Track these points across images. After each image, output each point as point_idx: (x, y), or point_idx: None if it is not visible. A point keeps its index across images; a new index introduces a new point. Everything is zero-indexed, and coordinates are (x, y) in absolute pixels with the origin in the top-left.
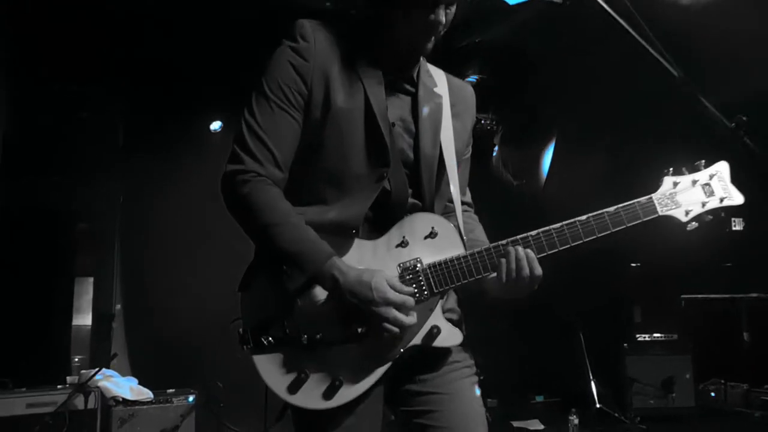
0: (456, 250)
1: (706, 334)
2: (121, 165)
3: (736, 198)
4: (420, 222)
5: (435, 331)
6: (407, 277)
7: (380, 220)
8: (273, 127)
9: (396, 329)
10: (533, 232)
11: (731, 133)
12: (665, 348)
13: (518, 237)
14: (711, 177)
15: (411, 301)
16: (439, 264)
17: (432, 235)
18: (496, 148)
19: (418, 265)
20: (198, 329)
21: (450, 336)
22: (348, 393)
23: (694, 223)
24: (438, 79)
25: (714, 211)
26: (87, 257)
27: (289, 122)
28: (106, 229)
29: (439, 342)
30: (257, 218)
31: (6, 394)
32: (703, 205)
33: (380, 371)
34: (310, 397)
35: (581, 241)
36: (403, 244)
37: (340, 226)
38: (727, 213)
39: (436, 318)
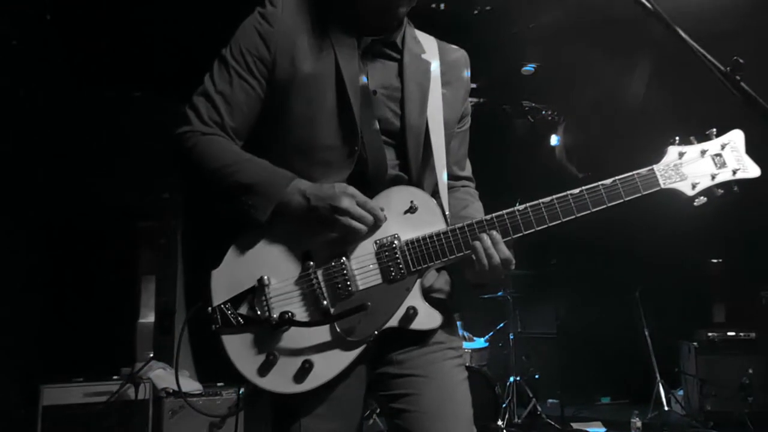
0: (437, 226)
1: None
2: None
3: (752, 170)
4: (398, 195)
5: (411, 312)
6: (384, 255)
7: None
8: (228, 93)
9: (362, 226)
10: (520, 207)
11: (725, 78)
12: (742, 348)
13: (503, 212)
14: (723, 147)
15: (375, 205)
16: (417, 241)
17: (411, 209)
18: (559, 139)
19: (395, 241)
20: None
21: (428, 318)
22: (319, 376)
23: (702, 198)
24: (427, 46)
25: (725, 185)
26: (150, 255)
27: (245, 90)
28: (168, 228)
29: (416, 325)
30: (207, 166)
31: (64, 383)
32: (713, 177)
33: (353, 354)
34: (280, 380)
35: (573, 217)
36: None
37: None
38: (740, 186)
39: (414, 298)
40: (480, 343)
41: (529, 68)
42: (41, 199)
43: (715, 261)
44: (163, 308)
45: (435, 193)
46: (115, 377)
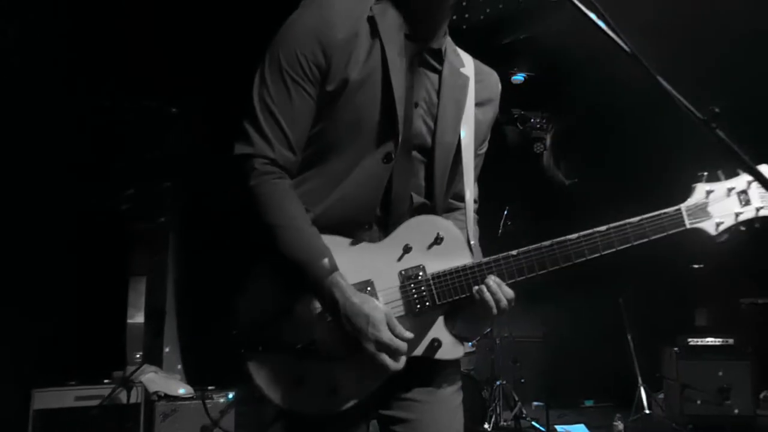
0: (462, 258)
1: (767, 339)
2: (172, 168)
3: None
4: (425, 226)
5: (436, 344)
6: (408, 287)
7: (384, 217)
8: (288, 104)
9: (387, 362)
10: (546, 243)
11: (704, 126)
12: (721, 353)
13: (531, 247)
14: (749, 184)
15: (404, 347)
16: (444, 274)
17: (437, 241)
18: (547, 147)
19: (421, 273)
20: None
21: (451, 349)
22: (344, 401)
23: (725, 234)
24: (465, 61)
25: (748, 222)
26: (141, 257)
27: (304, 99)
28: (160, 230)
29: (440, 355)
30: (262, 216)
31: (56, 387)
32: (737, 216)
33: (378, 381)
34: (305, 403)
35: (599, 254)
36: (405, 249)
37: (349, 222)
38: (762, 223)
39: (438, 330)
40: (467, 347)
41: (519, 77)
42: (31, 202)
43: (696, 266)
44: (153, 311)
45: (455, 210)
46: (106, 381)
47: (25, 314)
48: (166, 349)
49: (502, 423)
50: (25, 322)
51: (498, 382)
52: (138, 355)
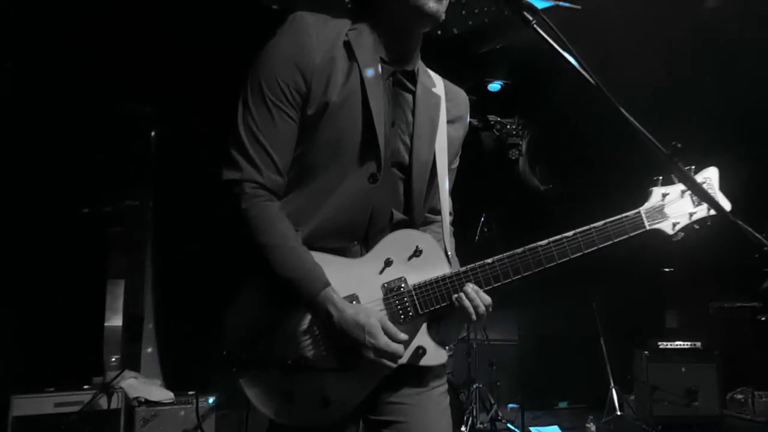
0: (441, 269)
1: (733, 342)
2: (152, 170)
3: (724, 206)
4: (404, 240)
5: (420, 351)
6: (392, 298)
7: (366, 233)
8: (272, 129)
9: (387, 363)
10: (519, 250)
11: (668, 160)
12: (689, 356)
13: (505, 255)
14: (701, 184)
15: (401, 350)
16: (424, 284)
17: (417, 253)
18: (523, 153)
19: (403, 285)
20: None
21: (435, 355)
22: (336, 412)
23: (680, 233)
24: (436, 81)
25: (701, 221)
26: (119, 260)
27: (288, 123)
28: (138, 233)
29: (425, 361)
30: (254, 237)
31: (35, 393)
32: (691, 216)
33: (368, 389)
34: (298, 417)
35: (568, 258)
36: (387, 263)
37: (335, 239)
38: (713, 221)
39: (422, 338)
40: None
41: (495, 85)
42: (5, 203)
43: (667, 270)
44: (131, 315)
45: (431, 223)
46: (86, 387)
47: (2, 319)
48: (148, 350)
49: (478, 425)
50: (2, 327)
51: (474, 385)
52: (114, 359)
